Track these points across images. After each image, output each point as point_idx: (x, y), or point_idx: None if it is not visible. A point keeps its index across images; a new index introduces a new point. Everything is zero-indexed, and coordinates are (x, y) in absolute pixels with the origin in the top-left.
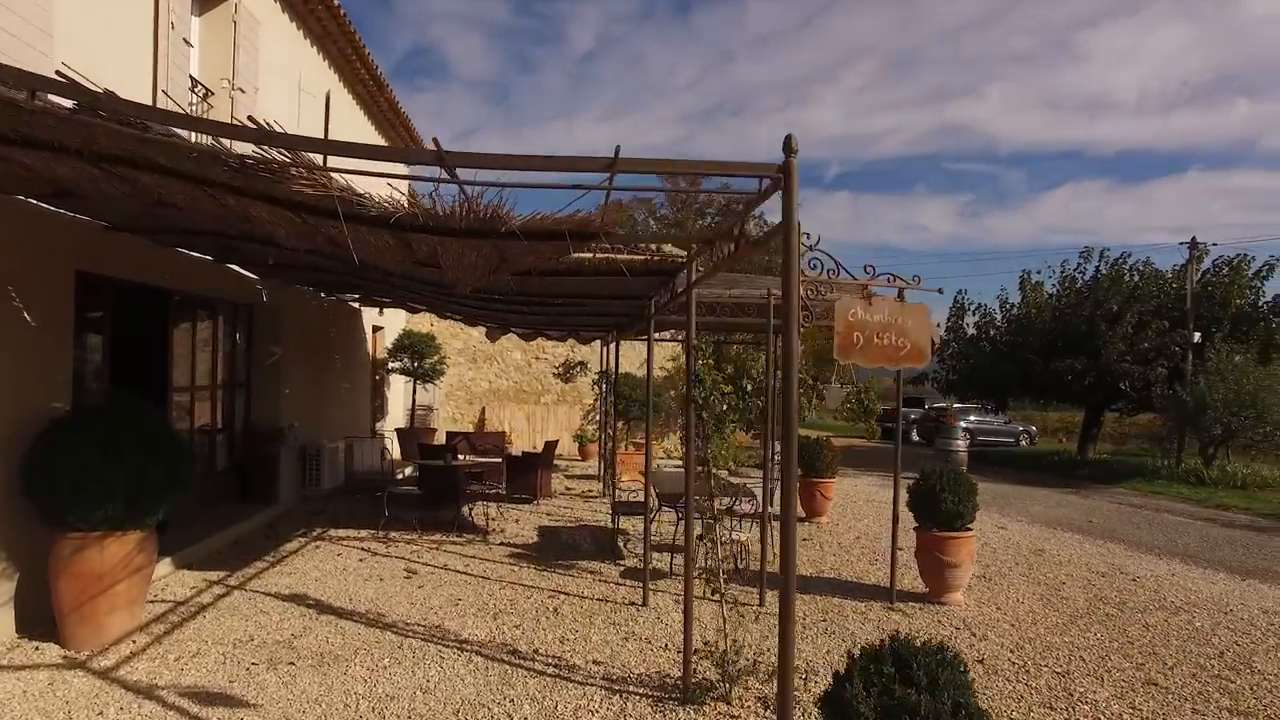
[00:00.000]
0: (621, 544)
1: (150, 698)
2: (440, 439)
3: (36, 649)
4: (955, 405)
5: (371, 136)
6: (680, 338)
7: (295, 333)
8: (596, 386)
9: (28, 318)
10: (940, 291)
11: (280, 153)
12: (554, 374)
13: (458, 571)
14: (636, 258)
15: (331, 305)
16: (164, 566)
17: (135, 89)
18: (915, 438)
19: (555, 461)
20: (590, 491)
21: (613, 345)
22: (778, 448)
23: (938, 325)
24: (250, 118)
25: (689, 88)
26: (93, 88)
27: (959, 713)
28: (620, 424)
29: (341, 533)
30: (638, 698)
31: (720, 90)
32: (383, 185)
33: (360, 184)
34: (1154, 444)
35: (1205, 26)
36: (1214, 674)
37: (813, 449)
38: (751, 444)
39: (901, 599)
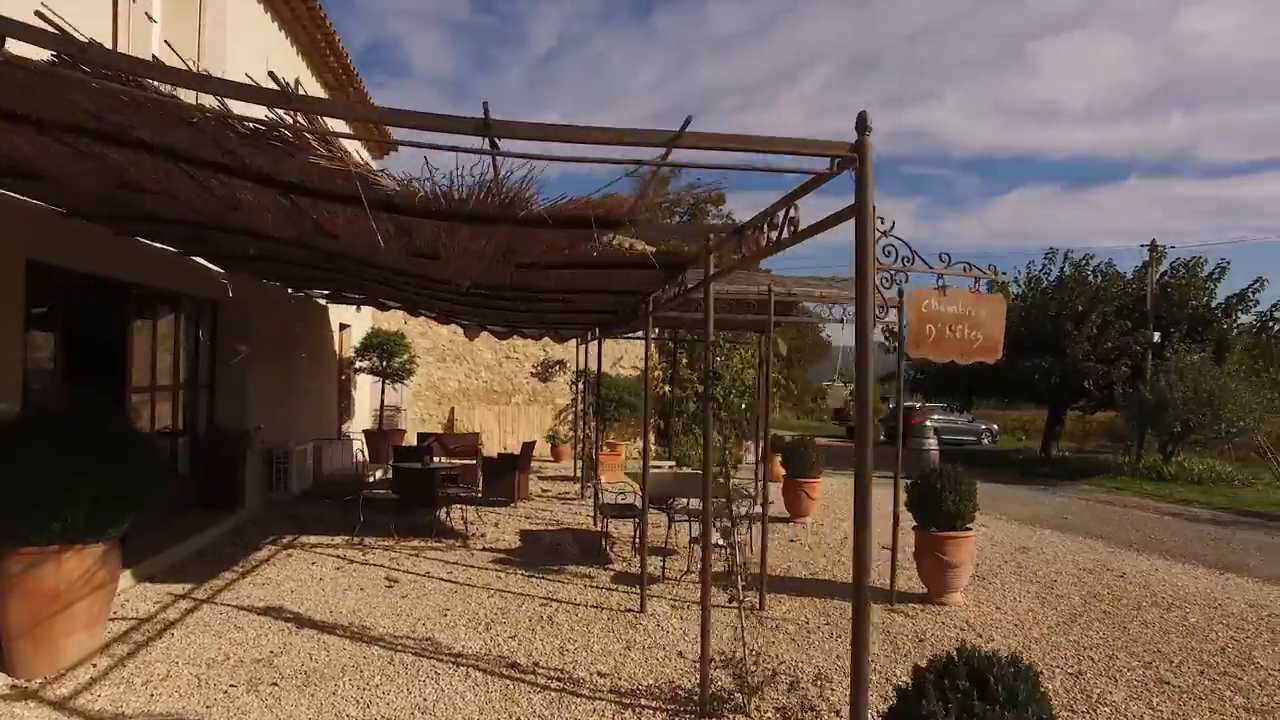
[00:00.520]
0: (607, 547)
1: None
2: (409, 440)
3: None
4: (921, 404)
5: (340, 128)
6: (656, 336)
7: (262, 330)
8: (574, 386)
9: None
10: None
11: (298, 119)
12: (531, 373)
13: (441, 579)
14: (648, 249)
15: (299, 302)
16: (124, 580)
17: None
18: (882, 437)
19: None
20: (568, 493)
21: (593, 344)
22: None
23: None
24: (271, 74)
25: (650, 89)
26: (77, 35)
27: None
28: (593, 423)
29: (314, 539)
30: (651, 711)
31: (681, 91)
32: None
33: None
34: (1115, 442)
35: (1144, 42)
36: (1220, 671)
37: (797, 448)
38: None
39: (901, 600)
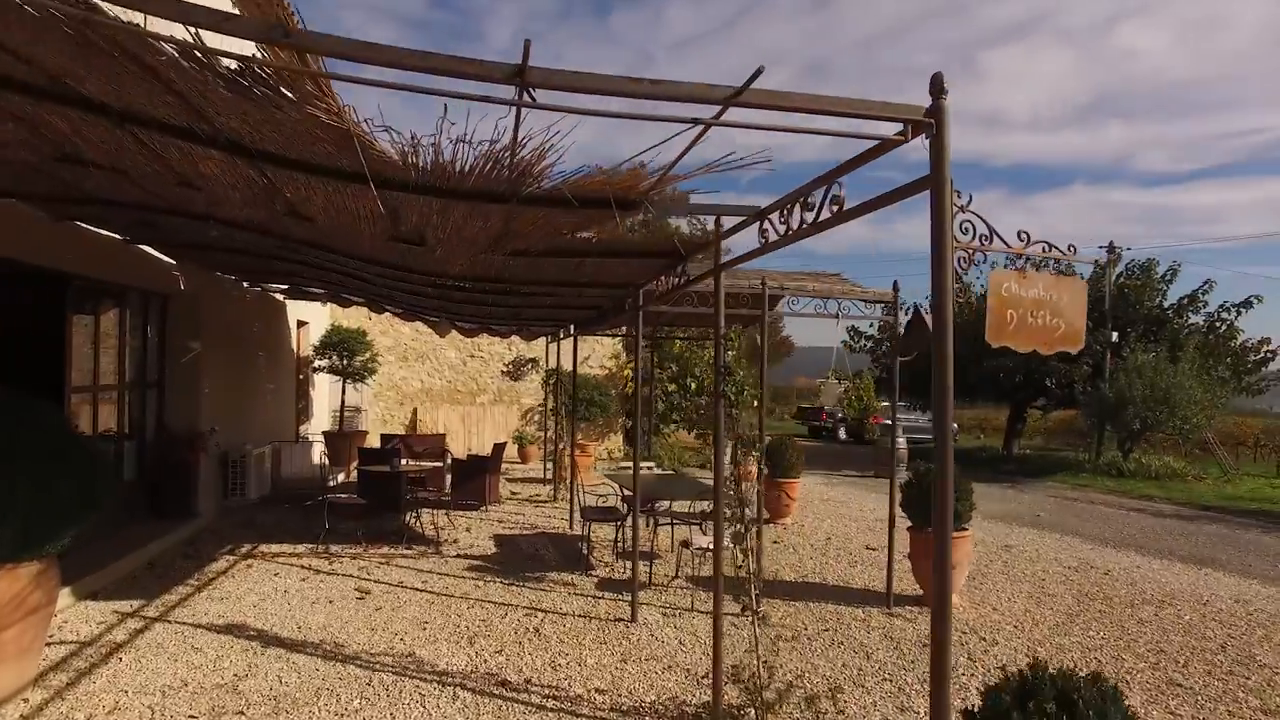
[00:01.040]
0: (588, 552)
1: None
2: (372, 442)
3: None
4: (883, 403)
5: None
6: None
7: (215, 326)
8: (546, 385)
9: None
10: (1097, 264)
11: (293, 58)
12: (502, 371)
13: (416, 589)
14: (676, 236)
15: (255, 297)
16: (63, 597)
17: None
18: (843, 436)
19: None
20: (539, 496)
21: (564, 342)
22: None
23: (871, 325)
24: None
25: None
26: None
27: None
28: (567, 424)
29: (275, 548)
30: None
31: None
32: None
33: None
34: (1078, 439)
35: (1083, 55)
36: (1226, 670)
37: (777, 448)
38: (694, 444)
39: (898, 603)
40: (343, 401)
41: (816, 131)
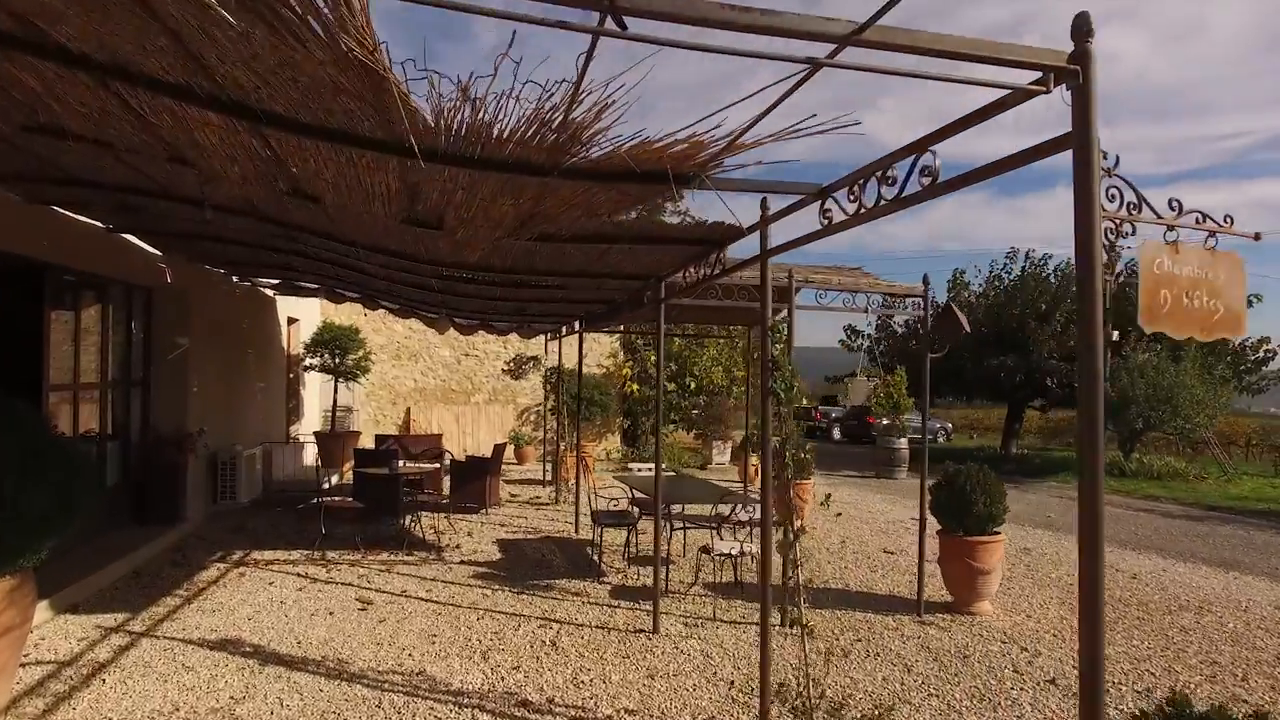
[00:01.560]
0: (597, 558)
1: None
2: (364, 442)
3: None
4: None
5: None
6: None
7: (203, 322)
8: (546, 384)
9: None
10: (1257, 237)
11: None
12: (503, 370)
13: (421, 599)
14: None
15: (244, 292)
16: (40, 611)
17: None
18: (838, 436)
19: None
20: (539, 498)
21: (565, 339)
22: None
23: (868, 324)
24: None
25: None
26: None
27: None
28: (570, 424)
29: (269, 555)
30: None
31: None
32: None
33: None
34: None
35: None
36: None
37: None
38: (693, 444)
39: (928, 610)
40: (334, 401)
41: (937, 78)
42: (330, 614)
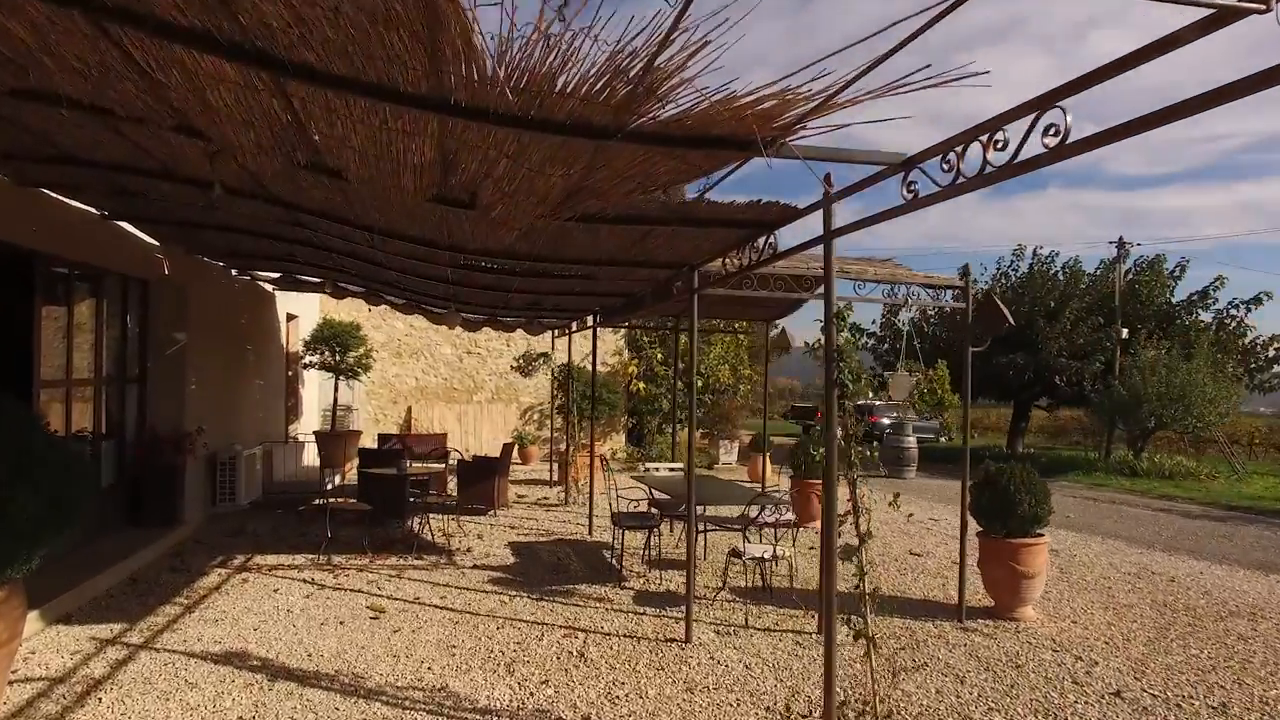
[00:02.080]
0: (617, 562)
1: None
2: (366, 442)
3: None
4: (878, 403)
5: None
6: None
7: (202, 316)
8: (555, 381)
9: None
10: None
11: None
12: (512, 366)
13: (436, 606)
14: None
15: (243, 286)
16: (30, 621)
17: None
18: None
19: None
20: (547, 499)
21: (578, 336)
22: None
23: (874, 321)
24: None
25: None
26: None
27: None
28: (582, 423)
29: (272, 559)
30: None
31: None
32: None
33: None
34: (1084, 438)
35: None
36: None
37: (804, 444)
38: (700, 443)
39: (969, 615)
40: (335, 400)
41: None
42: (341, 623)
